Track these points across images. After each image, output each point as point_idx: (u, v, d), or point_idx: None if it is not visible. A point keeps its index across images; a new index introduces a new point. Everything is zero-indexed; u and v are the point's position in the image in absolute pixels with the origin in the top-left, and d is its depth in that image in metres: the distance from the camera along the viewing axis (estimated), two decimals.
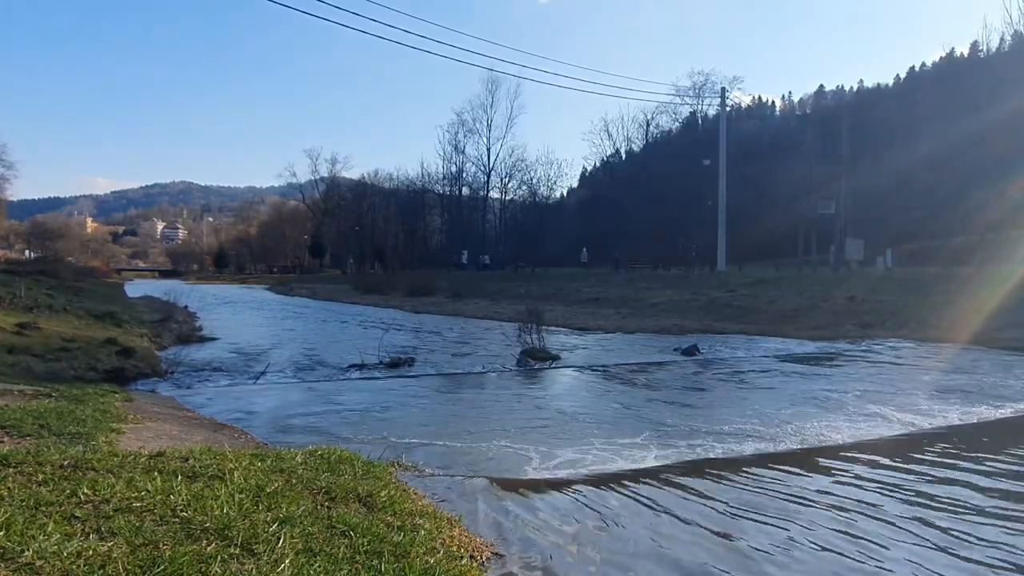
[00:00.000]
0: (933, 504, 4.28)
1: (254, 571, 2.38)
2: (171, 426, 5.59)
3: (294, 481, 3.51)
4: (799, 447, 5.81)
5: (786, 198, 43.59)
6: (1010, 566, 3.34)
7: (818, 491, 4.51)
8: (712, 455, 5.50)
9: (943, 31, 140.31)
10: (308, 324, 21.51)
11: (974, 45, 51.38)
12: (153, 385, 8.67)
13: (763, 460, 5.31)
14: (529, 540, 3.54)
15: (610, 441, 5.89)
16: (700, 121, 56.37)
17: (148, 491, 2.94)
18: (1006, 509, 4.19)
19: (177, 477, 3.23)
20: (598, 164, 71.63)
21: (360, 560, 2.63)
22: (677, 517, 3.99)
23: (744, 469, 5.02)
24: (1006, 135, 31.72)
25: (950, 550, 3.54)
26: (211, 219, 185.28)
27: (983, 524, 3.92)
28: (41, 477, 3.04)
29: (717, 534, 3.72)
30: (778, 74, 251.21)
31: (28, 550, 2.23)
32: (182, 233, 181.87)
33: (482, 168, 64.92)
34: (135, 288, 46.41)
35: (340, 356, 11.83)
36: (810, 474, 4.93)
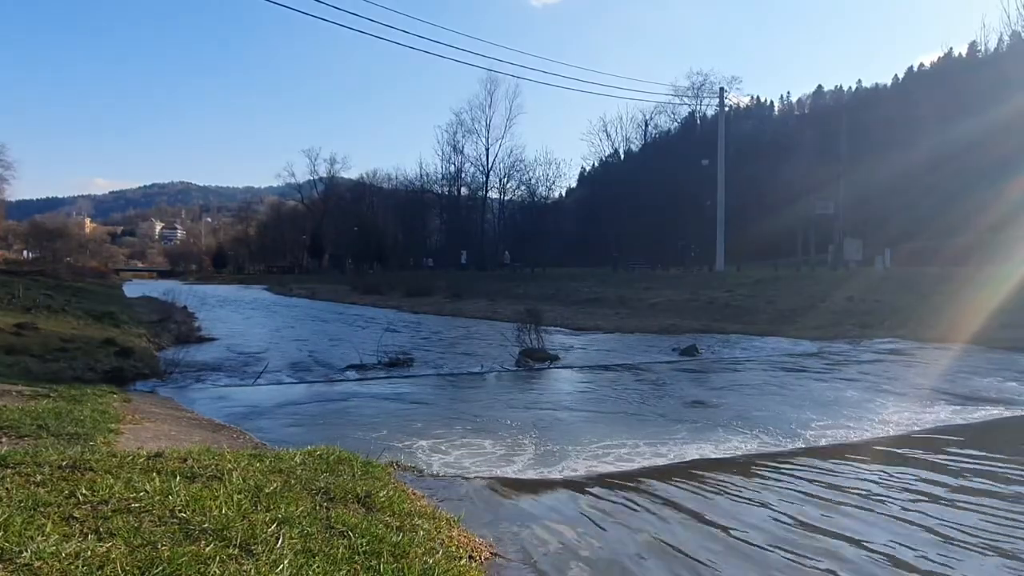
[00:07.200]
0: (931, 504, 4.28)
1: (253, 571, 2.38)
2: (170, 426, 5.58)
3: (292, 481, 3.50)
4: (799, 447, 5.81)
5: (785, 198, 43.60)
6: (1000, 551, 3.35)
7: (818, 491, 4.51)
8: (711, 455, 5.50)
9: (941, 31, 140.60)
10: (306, 324, 21.48)
11: (972, 45, 51.55)
12: (152, 385, 8.65)
13: (763, 460, 5.31)
14: (528, 540, 3.54)
15: (609, 441, 5.88)
16: (699, 121, 56.47)
17: (147, 492, 2.93)
18: (1001, 509, 4.19)
19: (176, 477, 3.22)
20: (597, 164, 71.68)
21: (359, 560, 2.63)
22: (676, 517, 3.99)
23: (743, 469, 5.02)
24: (1005, 135, 31.77)
25: (948, 548, 3.54)
26: (209, 219, 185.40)
27: (980, 527, 3.93)
28: (39, 478, 3.03)
29: (718, 533, 3.72)
30: (776, 74, 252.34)
31: (26, 551, 2.22)
32: (180, 233, 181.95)
33: (481, 168, 65.04)
34: (134, 288, 46.40)
35: (338, 356, 11.82)
36: (809, 474, 4.92)
